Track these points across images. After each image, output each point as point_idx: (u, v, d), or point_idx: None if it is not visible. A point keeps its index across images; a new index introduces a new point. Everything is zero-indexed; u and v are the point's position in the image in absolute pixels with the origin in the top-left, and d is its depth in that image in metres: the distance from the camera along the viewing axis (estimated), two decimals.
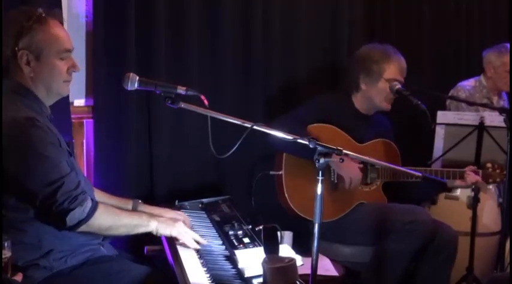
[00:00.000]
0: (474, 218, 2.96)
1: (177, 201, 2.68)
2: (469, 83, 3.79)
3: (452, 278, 2.99)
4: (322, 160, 1.86)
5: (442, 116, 3.08)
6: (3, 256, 1.73)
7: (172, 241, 2.17)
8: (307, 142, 1.91)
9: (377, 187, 3.04)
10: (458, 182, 2.95)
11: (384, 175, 3.00)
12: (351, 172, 2.87)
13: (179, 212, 2.43)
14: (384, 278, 2.85)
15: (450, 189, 3.28)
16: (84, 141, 2.94)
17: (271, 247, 1.94)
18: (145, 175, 3.06)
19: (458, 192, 3.36)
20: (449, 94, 3.75)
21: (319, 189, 1.86)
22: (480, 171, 2.92)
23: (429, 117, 2.80)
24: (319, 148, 1.88)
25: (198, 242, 2.17)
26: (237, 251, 2.07)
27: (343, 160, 1.99)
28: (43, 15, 2.06)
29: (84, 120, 2.93)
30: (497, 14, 4.39)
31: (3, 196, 1.95)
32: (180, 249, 2.13)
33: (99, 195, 2.34)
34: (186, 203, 2.69)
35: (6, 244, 1.75)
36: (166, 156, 3.10)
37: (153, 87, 2.06)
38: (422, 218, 2.86)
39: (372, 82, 3.00)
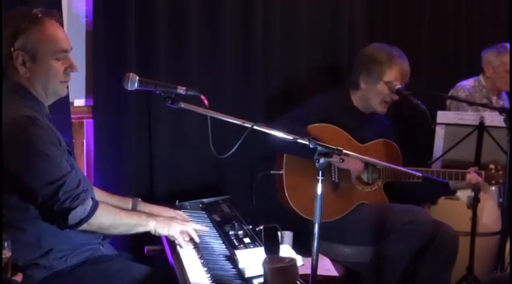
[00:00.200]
0: (474, 218, 2.96)
1: (177, 201, 2.68)
2: (468, 83, 3.79)
3: (452, 278, 2.99)
4: (322, 160, 1.86)
5: (442, 116, 3.08)
6: (3, 256, 1.73)
7: (172, 241, 2.17)
8: (307, 142, 1.91)
9: (378, 187, 3.04)
10: (461, 184, 2.94)
11: (385, 175, 3.00)
12: (353, 162, 2.87)
13: (179, 211, 2.43)
14: (384, 278, 2.85)
15: (454, 192, 3.26)
16: (84, 141, 2.94)
17: (272, 247, 1.94)
18: (145, 175, 3.06)
19: (458, 191, 3.35)
20: (449, 94, 3.74)
21: (319, 189, 1.86)
22: (483, 172, 2.90)
23: (429, 117, 2.80)
24: (319, 148, 1.88)
25: (194, 240, 2.19)
26: (237, 251, 2.07)
27: (343, 160, 1.99)
28: (39, 15, 2.05)
29: (84, 120, 2.93)
30: (497, 14, 4.39)
31: (3, 195, 1.95)
32: (180, 249, 2.13)
33: (99, 194, 2.34)
34: (186, 203, 2.69)
35: (6, 244, 1.74)
36: (166, 156, 3.10)
37: (153, 87, 2.06)
38: (422, 219, 2.86)
39: (371, 82, 3.00)
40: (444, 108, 3.64)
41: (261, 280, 1.85)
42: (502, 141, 2.84)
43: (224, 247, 2.21)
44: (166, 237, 2.19)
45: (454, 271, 2.96)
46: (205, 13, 3.20)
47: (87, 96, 2.95)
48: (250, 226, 2.36)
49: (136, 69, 2.83)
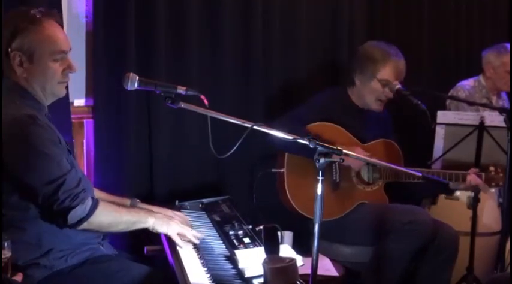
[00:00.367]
0: (474, 218, 2.96)
1: (177, 201, 2.68)
2: (468, 83, 3.79)
3: (453, 278, 2.98)
4: (322, 160, 1.86)
5: (442, 116, 3.08)
6: (3, 256, 1.73)
7: (172, 240, 2.17)
8: (307, 142, 1.91)
9: (379, 187, 3.04)
10: (460, 185, 2.94)
11: (386, 175, 3.00)
12: (352, 161, 2.87)
13: (178, 212, 2.42)
14: (384, 278, 2.85)
15: (453, 192, 3.26)
16: (84, 141, 2.94)
17: (272, 247, 1.94)
18: (145, 175, 3.06)
19: (458, 191, 3.35)
20: (449, 94, 3.74)
21: (319, 189, 1.86)
22: (483, 174, 2.90)
23: (429, 117, 2.80)
24: (319, 148, 1.88)
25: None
26: (237, 251, 2.07)
27: (343, 160, 1.99)
28: (37, 15, 2.05)
29: (84, 120, 2.93)
30: (497, 14, 4.39)
31: (3, 195, 1.95)
32: (180, 249, 2.13)
33: (98, 195, 2.34)
34: (186, 203, 2.69)
35: (6, 244, 1.74)
36: (166, 156, 3.10)
37: (153, 87, 2.06)
38: (422, 219, 2.85)
39: (365, 80, 3.00)
40: (444, 108, 3.64)
41: (261, 280, 1.85)
42: (502, 141, 2.84)
43: (224, 247, 2.20)
44: (166, 237, 2.18)
45: (454, 271, 2.95)
46: (205, 13, 3.20)
47: (87, 96, 2.95)
48: (250, 226, 2.36)
49: (137, 69, 2.83)
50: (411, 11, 4.09)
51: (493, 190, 3.31)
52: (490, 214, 3.35)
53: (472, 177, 2.87)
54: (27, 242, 1.98)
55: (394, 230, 2.81)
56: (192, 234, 2.20)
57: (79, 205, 1.95)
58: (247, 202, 3.05)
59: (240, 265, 1.97)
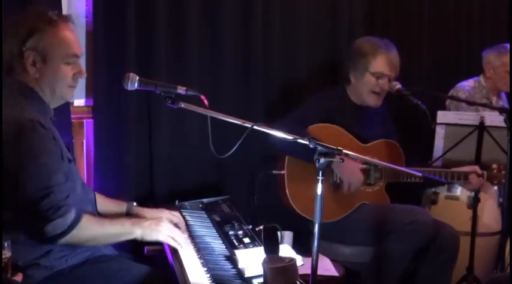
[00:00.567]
0: (474, 218, 2.96)
1: (177, 201, 2.68)
2: (468, 84, 3.79)
3: (453, 278, 2.98)
4: (322, 160, 1.86)
5: (442, 116, 3.08)
6: (3, 256, 1.73)
7: None
8: (307, 142, 1.91)
9: (380, 187, 3.04)
10: (467, 186, 2.95)
11: (387, 175, 3.00)
12: (351, 175, 2.87)
13: (174, 212, 2.41)
14: (384, 279, 2.85)
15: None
16: (84, 141, 2.94)
17: (272, 247, 1.94)
18: (145, 175, 3.06)
19: (458, 192, 3.36)
20: (449, 94, 3.74)
21: (319, 188, 1.86)
22: (485, 172, 2.91)
23: (429, 117, 2.80)
24: (319, 148, 1.88)
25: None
26: (237, 251, 2.07)
27: (343, 160, 1.99)
28: (54, 18, 2.07)
29: (84, 120, 2.93)
30: (497, 14, 4.39)
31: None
32: (180, 249, 2.12)
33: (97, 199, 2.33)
34: (186, 203, 2.69)
35: (6, 244, 1.75)
36: (166, 156, 3.09)
37: (153, 87, 2.06)
38: (422, 219, 2.85)
39: (359, 75, 3.01)
40: (444, 108, 3.64)
41: (261, 280, 1.85)
42: (502, 141, 2.84)
43: (224, 247, 2.20)
44: None
45: (454, 271, 2.95)
46: (205, 13, 3.20)
47: (87, 96, 2.95)
48: (250, 226, 2.36)
49: (137, 69, 2.82)
50: (411, 10, 4.10)
51: (495, 188, 3.31)
52: (490, 214, 3.35)
53: (475, 180, 2.87)
54: (28, 243, 1.97)
55: (394, 231, 2.81)
56: (181, 237, 2.14)
57: (59, 219, 1.90)
58: (247, 202, 3.05)
59: (240, 265, 1.97)
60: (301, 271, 1.85)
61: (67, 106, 2.71)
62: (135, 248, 2.46)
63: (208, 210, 2.64)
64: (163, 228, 2.11)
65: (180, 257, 2.05)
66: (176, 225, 2.23)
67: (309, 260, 1.91)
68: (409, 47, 4.02)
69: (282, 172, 2.91)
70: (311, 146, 1.90)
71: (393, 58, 3.00)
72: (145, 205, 2.52)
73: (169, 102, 2.03)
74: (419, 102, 2.82)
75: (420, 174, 2.26)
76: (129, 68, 2.80)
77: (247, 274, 1.92)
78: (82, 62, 2.82)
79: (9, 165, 1.90)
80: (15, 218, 1.92)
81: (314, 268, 1.88)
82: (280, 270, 1.77)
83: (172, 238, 2.10)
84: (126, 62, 2.90)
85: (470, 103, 3.28)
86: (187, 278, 1.89)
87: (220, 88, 3.26)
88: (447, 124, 3.06)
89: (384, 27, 3.94)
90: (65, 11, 2.75)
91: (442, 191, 3.39)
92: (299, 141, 1.95)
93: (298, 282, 1.77)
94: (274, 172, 2.95)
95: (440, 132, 3.08)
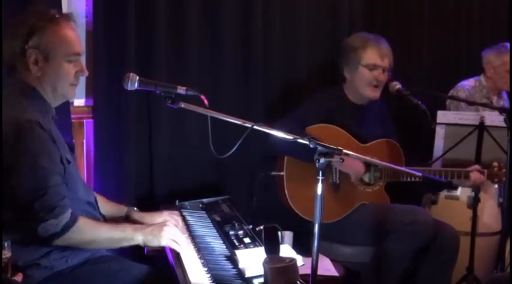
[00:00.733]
0: (474, 218, 2.96)
1: (177, 201, 2.68)
2: (468, 83, 3.79)
3: (453, 278, 2.98)
4: (322, 160, 1.86)
5: (442, 116, 3.08)
6: (3, 256, 1.73)
7: None
8: (307, 142, 1.91)
9: (380, 187, 3.04)
10: (467, 183, 2.95)
11: (387, 175, 3.00)
12: (353, 165, 2.88)
13: (174, 213, 2.40)
14: (384, 279, 2.85)
15: (456, 187, 3.27)
16: (84, 141, 2.94)
17: (272, 247, 1.94)
18: (145, 175, 3.05)
19: (458, 191, 3.36)
20: (449, 94, 3.75)
21: (319, 188, 1.86)
22: (485, 171, 2.91)
23: (429, 117, 2.80)
24: (319, 148, 1.88)
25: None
26: (237, 251, 2.07)
27: (343, 160, 1.99)
28: (56, 16, 2.08)
29: (84, 120, 2.93)
30: (497, 14, 4.39)
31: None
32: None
33: (99, 201, 2.32)
34: (186, 203, 2.69)
35: (6, 244, 1.74)
36: (166, 156, 3.09)
37: (153, 87, 2.06)
38: (422, 219, 2.85)
39: (353, 70, 3.03)
40: (444, 108, 3.64)
41: (261, 280, 1.85)
42: (502, 141, 2.85)
43: (224, 247, 2.20)
44: None
45: (454, 271, 2.95)
46: (205, 13, 3.20)
47: (87, 96, 2.94)
48: (250, 226, 2.36)
49: (137, 69, 2.82)
50: (411, 10, 4.09)
51: (496, 186, 3.32)
52: (490, 214, 3.35)
53: (477, 175, 2.88)
54: (28, 243, 1.97)
55: (394, 231, 2.82)
56: (183, 239, 2.13)
57: (51, 220, 1.90)
58: (247, 202, 3.05)
59: (241, 265, 1.97)
60: (301, 271, 1.85)
61: (67, 106, 2.71)
62: (135, 248, 2.46)
63: (209, 209, 2.64)
64: (165, 233, 2.09)
65: (180, 257, 2.05)
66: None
67: (309, 260, 1.91)
68: (409, 47, 4.03)
69: (281, 173, 2.91)
70: (311, 146, 1.90)
71: (383, 48, 3.02)
72: (145, 205, 2.52)
73: (169, 102, 2.03)
74: (419, 102, 2.82)
75: (420, 174, 2.25)
76: (129, 67, 2.80)
77: (247, 274, 1.92)
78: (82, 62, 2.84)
79: (7, 165, 1.90)
80: (15, 218, 1.92)
81: (314, 268, 1.88)
82: (281, 270, 1.77)
83: (175, 241, 2.09)
84: (126, 62, 2.89)
85: (470, 103, 3.28)
86: (188, 278, 1.89)
87: (220, 88, 3.26)
88: (447, 124, 3.06)
89: (384, 27, 3.93)
90: (64, 11, 2.74)
91: (442, 191, 3.39)
92: (299, 141, 1.95)
93: (298, 282, 1.77)
94: (273, 173, 2.95)
95: (440, 132, 3.08)
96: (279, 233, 2.19)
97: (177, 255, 2.08)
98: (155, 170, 3.06)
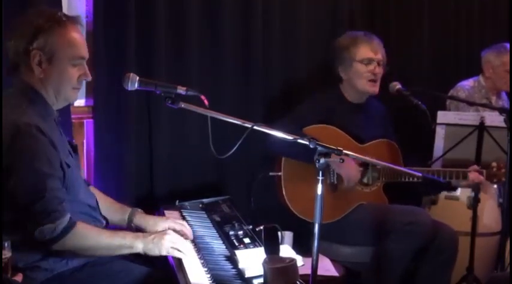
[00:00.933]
0: (474, 219, 2.96)
1: (177, 201, 2.68)
2: (468, 83, 3.79)
3: (453, 278, 2.99)
4: (322, 160, 1.86)
5: (442, 116, 3.09)
6: (3, 257, 1.72)
7: None
8: (307, 143, 1.91)
9: (378, 188, 3.04)
10: (463, 183, 2.96)
11: (385, 175, 3.00)
12: (349, 170, 2.88)
13: (178, 220, 2.36)
14: (384, 279, 2.85)
15: (455, 188, 3.27)
16: (84, 141, 2.94)
17: (272, 247, 1.94)
18: (145, 175, 3.05)
19: (458, 192, 3.36)
20: (449, 94, 3.75)
21: (319, 188, 1.86)
22: (484, 171, 2.91)
23: (429, 117, 2.80)
24: (319, 148, 1.88)
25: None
26: (237, 252, 2.07)
27: (343, 161, 1.99)
28: (63, 18, 2.05)
29: (84, 120, 2.93)
30: (497, 14, 4.39)
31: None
32: None
33: (101, 200, 2.30)
34: (186, 203, 2.69)
35: (6, 244, 1.74)
36: (166, 156, 3.09)
37: (153, 87, 2.06)
38: (422, 220, 2.86)
39: (348, 68, 3.03)
40: (444, 108, 3.64)
41: (261, 280, 1.85)
42: (502, 141, 2.85)
43: (224, 247, 2.20)
44: None
45: (454, 271, 2.96)
46: (205, 13, 3.20)
47: (87, 96, 2.94)
48: (250, 226, 2.36)
49: (137, 69, 2.82)
50: (411, 10, 4.10)
51: (495, 186, 3.32)
52: (490, 214, 3.35)
53: (475, 175, 2.89)
54: (28, 245, 1.96)
55: (394, 231, 2.82)
56: (185, 245, 2.09)
57: (48, 224, 1.88)
58: (247, 203, 3.05)
59: (240, 265, 1.97)
60: (301, 271, 1.85)
61: (67, 106, 2.70)
62: None
63: (208, 210, 2.64)
64: (166, 241, 2.05)
65: (180, 258, 2.05)
66: (179, 233, 2.18)
67: (309, 260, 1.91)
68: (409, 47, 4.03)
69: (279, 173, 2.91)
70: (311, 146, 1.90)
71: (374, 43, 3.05)
72: (145, 205, 2.52)
73: (170, 102, 2.03)
74: (419, 102, 2.82)
75: (419, 174, 2.25)
76: (129, 68, 2.80)
77: (247, 274, 1.92)
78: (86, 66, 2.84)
79: (6, 166, 1.89)
80: (15, 219, 1.92)
81: (314, 268, 1.88)
82: (281, 270, 1.77)
83: (177, 249, 2.05)
84: (126, 62, 2.89)
85: (470, 103, 3.28)
86: (188, 278, 1.89)
87: (220, 88, 3.26)
88: (447, 125, 3.06)
89: (384, 27, 3.94)
90: (65, 11, 2.75)
91: (442, 191, 3.40)
92: (299, 141, 1.95)
93: (298, 282, 1.77)
94: (271, 174, 2.95)
95: (440, 132, 3.08)
96: (279, 233, 2.19)
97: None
98: (155, 170, 3.06)
